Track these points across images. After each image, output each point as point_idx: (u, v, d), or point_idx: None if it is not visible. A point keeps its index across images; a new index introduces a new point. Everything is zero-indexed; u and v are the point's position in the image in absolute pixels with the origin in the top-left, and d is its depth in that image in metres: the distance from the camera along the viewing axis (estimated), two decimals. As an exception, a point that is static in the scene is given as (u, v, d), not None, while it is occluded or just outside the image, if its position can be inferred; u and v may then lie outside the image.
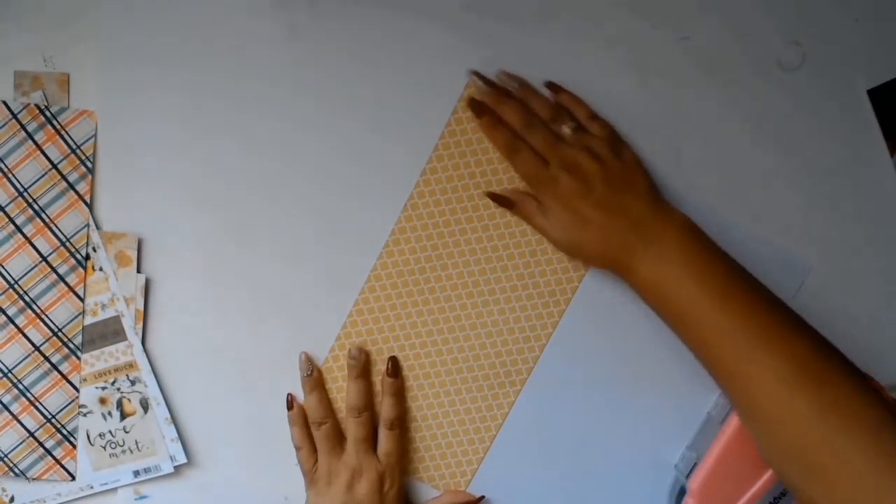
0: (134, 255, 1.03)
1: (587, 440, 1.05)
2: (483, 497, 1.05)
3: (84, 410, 1.04)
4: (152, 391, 1.03)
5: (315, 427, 1.02)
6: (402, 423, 1.03)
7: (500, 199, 1.00)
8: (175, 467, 1.05)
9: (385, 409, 1.02)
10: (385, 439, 1.01)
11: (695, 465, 0.98)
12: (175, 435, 1.04)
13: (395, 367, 1.03)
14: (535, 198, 0.98)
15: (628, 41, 1.00)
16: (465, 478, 1.06)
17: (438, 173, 1.02)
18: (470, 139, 1.01)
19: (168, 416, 1.04)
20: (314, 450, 1.02)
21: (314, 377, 1.03)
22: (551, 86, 0.99)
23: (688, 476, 0.98)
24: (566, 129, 0.96)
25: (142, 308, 1.03)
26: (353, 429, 1.01)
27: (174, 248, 1.04)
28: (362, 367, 1.03)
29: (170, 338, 1.05)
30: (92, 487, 1.06)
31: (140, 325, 1.03)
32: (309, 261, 1.04)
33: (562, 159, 0.95)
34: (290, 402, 1.03)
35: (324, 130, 1.02)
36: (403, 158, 1.02)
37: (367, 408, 1.02)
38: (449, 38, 1.01)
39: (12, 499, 1.05)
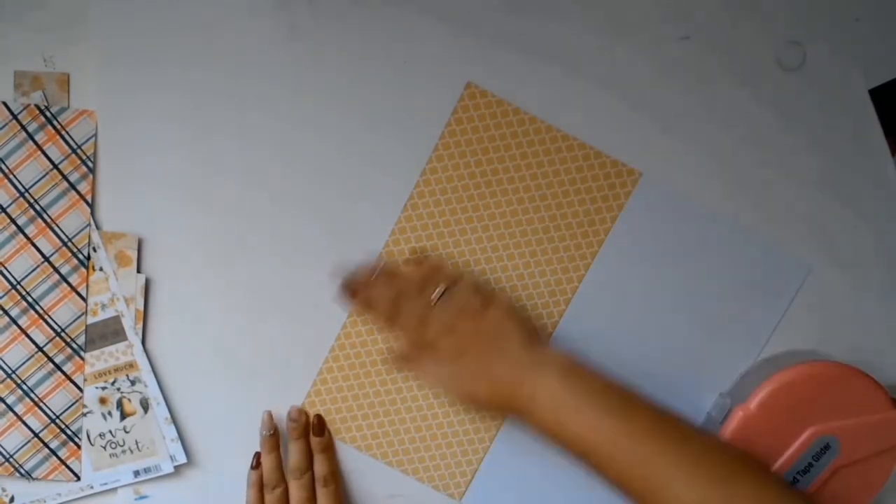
0: (134, 255, 1.03)
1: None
2: None
3: (84, 410, 1.04)
4: (152, 391, 1.03)
5: (268, 490, 1.03)
6: (335, 479, 1.03)
7: (397, 362, 1.04)
8: (175, 467, 1.05)
9: (317, 466, 1.03)
10: (321, 497, 1.02)
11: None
12: (175, 435, 1.04)
13: (319, 425, 1.04)
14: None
15: (628, 41, 1.00)
16: (464, 478, 1.05)
17: (438, 173, 1.02)
18: (470, 139, 1.02)
19: (168, 416, 1.04)
20: None
21: (273, 438, 1.04)
22: (412, 260, 1.03)
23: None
24: (435, 296, 1.00)
25: (142, 308, 1.03)
26: (294, 491, 1.02)
27: (174, 248, 1.04)
28: (302, 428, 1.04)
29: (170, 338, 1.04)
30: (92, 487, 1.06)
31: (140, 325, 1.03)
32: (309, 260, 1.04)
33: (438, 324, 0.99)
34: (256, 462, 1.04)
35: (324, 130, 1.02)
36: (403, 158, 1.02)
37: (308, 468, 1.03)
38: (449, 37, 1.01)
39: (12, 499, 1.05)
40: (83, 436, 1.05)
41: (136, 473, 1.05)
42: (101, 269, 1.03)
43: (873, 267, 1.01)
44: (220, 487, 1.05)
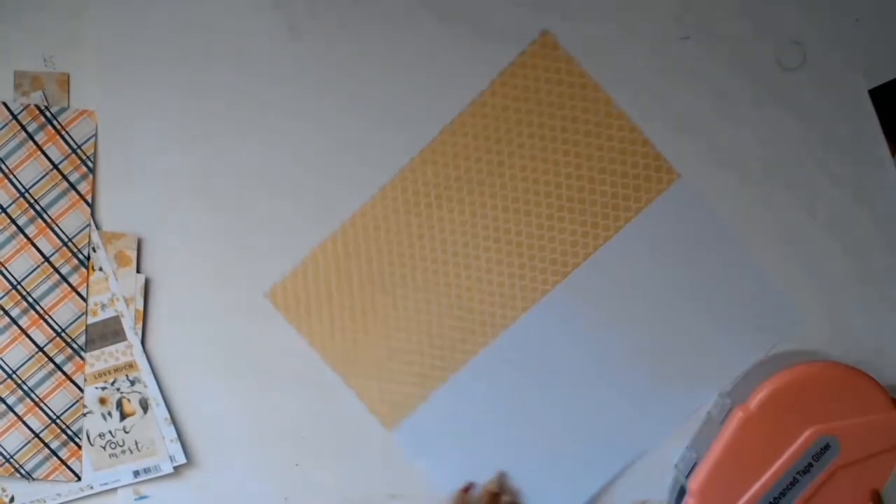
0: (134, 255, 1.03)
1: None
2: None
3: (84, 410, 1.04)
4: (152, 391, 1.03)
5: None
6: None
7: None
8: (175, 467, 1.05)
9: None
10: None
11: (694, 464, 0.98)
12: (175, 435, 1.04)
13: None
14: None
15: (628, 41, 1.00)
16: (403, 411, 1.06)
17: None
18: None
19: (168, 416, 1.04)
20: None
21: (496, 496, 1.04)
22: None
23: (687, 476, 0.98)
24: None
25: (142, 308, 1.03)
26: None
27: (174, 248, 1.04)
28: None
29: (170, 338, 1.04)
30: (92, 487, 1.06)
31: (140, 325, 1.03)
32: (309, 261, 1.04)
33: None
34: (468, 489, 1.05)
35: (324, 130, 1.02)
36: (403, 157, 1.02)
37: None
38: (448, 37, 1.01)
39: (12, 499, 1.05)
40: (83, 436, 1.04)
41: (136, 473, 1.05)
42: (101, 269, 1.03)
43: (873, 267, 1.01)
44: (220, 487, 1.05)
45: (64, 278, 1.03)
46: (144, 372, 1.03)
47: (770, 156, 1.00)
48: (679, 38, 1.00)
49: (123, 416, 1.05)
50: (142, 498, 1.06)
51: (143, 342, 1.04)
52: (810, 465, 0.95)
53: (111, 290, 1.03)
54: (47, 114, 1.01)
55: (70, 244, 1.02)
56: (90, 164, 1.02)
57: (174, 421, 1.04)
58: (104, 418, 1.05)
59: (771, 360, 1.02)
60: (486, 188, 1.02)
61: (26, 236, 1.02)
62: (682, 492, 1.00)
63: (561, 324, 1.04)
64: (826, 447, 0.95)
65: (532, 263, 1.03)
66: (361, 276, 1.04)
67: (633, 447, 1.04)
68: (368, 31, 1.01)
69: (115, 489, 1.06)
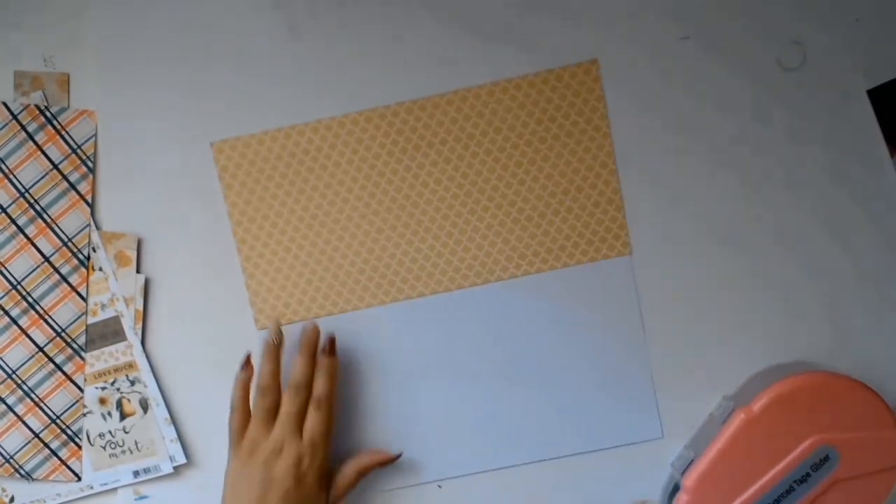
0: (134, 255, 1.03)
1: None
2: (400, 455, 1.04)
3: (84, 411, 1.04)
4: (152, 391, 1.03)
5: (261, 396, 0.99)
6: (330, 404, 1.00)
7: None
8: (175, 467, 1.05)
9: (316, 386, 0.99)
10: (311, 418, 0.98)
11: (691, 462, 0.97)
12: (175, 435, 1.04)
13: (332, 346, 1.00)
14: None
15: (628, 41, 1.00)
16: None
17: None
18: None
19: (168, 416, 1.04)
20: (248, 416, 1.00)
21: (277, 346, 1.01)
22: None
23: (683, 473, 0.98)
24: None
25: (141, 308, 1.03)
26: (288, 406, 0.98)
27: (174, 248, 1.04)
28: (313, 344, 1.01)
29: (170, 338, 1.05)
30: (92, 487, 1.06)
31: (140, 325, 1.03)
32: (309, 261, 1.04)
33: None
34: (247, 363, 1.01)
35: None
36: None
37: (307, 385, 0.99)
38: (448, 36, 1.01)
39: (12, 499, 1.06)
40: (83, 436, 1.04)
41: (136, 474, 1.05)
42: (100, 269, 1.03)
43: (874, 267, 1.01)
44: (220, 487, 1.04)
45: (64, 278, 1.03)
46: (144, 372, 1.03)
47: (769, 156, 1.00)
48: (679, 38, 0.99)
49: (123, 416, 1.05)
50: (142, 498, 1.06)
51: (143, 342, 1.04)
52: (808, 474, 0.95)
53: (111, 290, 1.03)
54: (47, 114, 1.01)
55: (70, 244, 1.02)
56: (90, 164, 1.02)
57: (174, 421, 1.04)
58: (104, 418, 1.05)
59: (778, 368, 1.02)
60: (467, 163, 1.03)
61: (26, 236, 1.02)
62: (675, 488, 0.99)
63: (460, 319, 1.05)
64: (826, 458, 0.95)
65: (464, 253, 1.04)
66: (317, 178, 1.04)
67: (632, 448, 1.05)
68: (368, 31, 1.01)
69: (115, 489, 1.06)
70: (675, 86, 1.00)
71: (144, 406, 1.04)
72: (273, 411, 0.99)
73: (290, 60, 1.02)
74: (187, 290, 1.04)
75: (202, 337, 1.04)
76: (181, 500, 1.06)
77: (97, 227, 1.03)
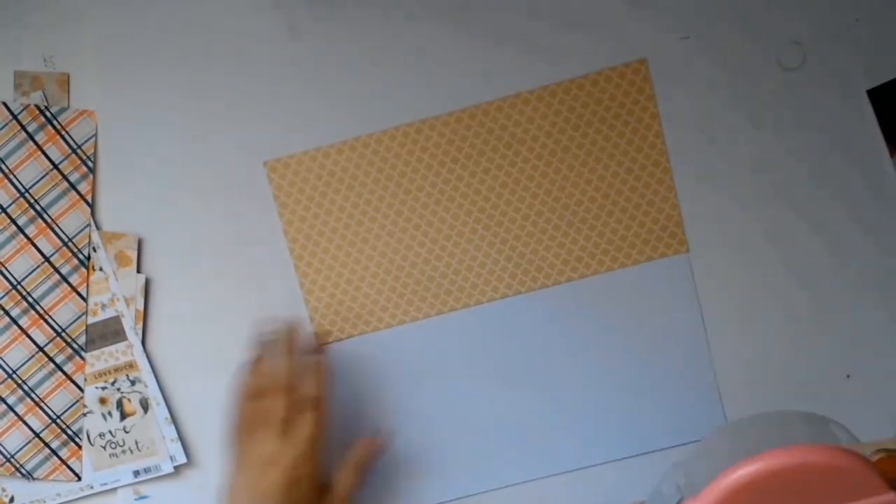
0: (134, 255, 1.03)
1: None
2: (385, 440, 1.03)
3: (84, 410, 1.04)
4: (152, 391, 1.03)
5: (248, 399, 0.96)
6: (323, 403, 0.96)
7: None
8: (175, 467, 1.05)
9: (307, 386, 0.96)
10: (304, 420, 0.94)
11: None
12: (175, 435, 1.04)
13: (320, 343, 1.02)
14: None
15: (628, 41, 1.00)
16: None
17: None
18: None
19: (168, 415, 1.04)
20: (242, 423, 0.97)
21: (264, 350, 0.99)
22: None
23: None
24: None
25: (142, 308, 1.03)
26: (274, 408, 0.94)
27: (174, 248, 1.04)
28: (289, 342, 0.99)
29: (170, 338, 1.05)
30: (92, 487, 1.06)
31: (140, 325, 1.03)
32: (309, 261, 1.04)
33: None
34: (243, 372, 0.98)
35: (323, 130, 1.02)
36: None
37: (294, 388, 0.95)
38: (448, 37, 1.01)
39: (12, 499, 1.06)
40: (83, 436, 1.04)
41: (136, 473, 1.05)
42: (101, 269, 1.03)
43: (872, 267, 1.01)
44: (220, 487, 1.04)
45: (64, 278, 1.03)
46: (145, 372, 1.03)
47: (769, 155, 1.00)
48: (679, 38, 1.00)
49: (124, 416, 1.05)
50: (142, 498, 1.06)
51: (143, 342, 1.04)
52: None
53: (111, 290, 1.03)
54: (47, 114, 1.01)
55: (70, 244, 1.03)
56: (90, 164, 1.02)
57: (174, 421, 1.04)
58: (104, 418, 1.05)
59: (734, 432, 0.98)
60: (518, 168, 1.03)
61: (26, 236, 1.03)
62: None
63: (514, 326, 1.05)
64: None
65: (519, 259, 1.04)
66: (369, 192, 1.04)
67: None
68: (369, 31, 1.01)
69: (115, 489, 1.06)
70: (675, 85, 1.00)
71: (145, 406, 1.04)
72: (264, 416, 0.95)
73: (290, 60, 1.02)
74: (187, 290, 1.04)
75: (202, 337, 1.05)
76: (181, 499, 1.06)
77: (97, 227, 1.03)
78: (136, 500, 1.06)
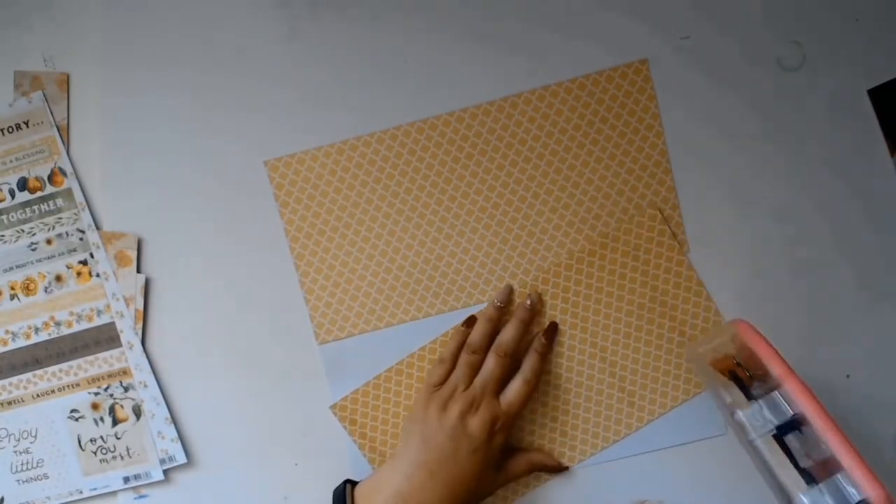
0: (134, 255, 1.03)
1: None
2: (568, 468, 1.05)
3: (76, 415, 1.04)
4: (152, 391, 1.03)
5: (468, 351, 1.01)
6: (537, 382, 1.02)
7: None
8: (173, 468, 1.05)
9: (528, 363, 1.01)
10: (514, 389, 1.00)
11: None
12: (175, 434, 1.04)
13: (552, 332, 1.03)
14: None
15: (628, 41, 1.01)
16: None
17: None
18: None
19: (168, 415, 1.04)
20: (450, 370, 1.01)
21: (500, 310, 1.03)
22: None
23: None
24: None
25: (142, 308, 1.03)
26: (491, 366, 1.00)
27: (174, 248, 1.04)
28: (531, 315, 1.03)
29: (170, 338, 1.04)
30: (81, 492, 1.06)
31: (140, 325, 1.03)
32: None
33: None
34: (470, 321, 1.03)
35: (323, 129, 1.02)
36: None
37: (512, 354, 1.01)
38: (449, 38, 1.02)
39: (2, 500, 1.05)
40: (74, 440, 1.04)
41: (126, 480, 1.05)
42: (97, 276, 1.03)
43: (873, 266, 1.02)
44: (220, 487, 1.04)
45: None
46: (145, 372, 1.03)
47: (769, 156, 1.01)
48: (679, 38, 1.01)
49: (116, 422, 1.04)
50: (141, 497, 1.05)
51: (142, 342, 1.03)
52: None
53: (111, 290, 1.03)
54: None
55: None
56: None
57: (174, 421, 1.04)
58: (96, 423, 1.05)
59: None
60: (519, 168, 1.03)
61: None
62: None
63: None
64: None
65: (519, 259, 1.04)
66: (369, 192, 1.04)
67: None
68: (369, 31, 1.02)
69: (105, 494, 1.06)
70: (675, 85, 1.01)
71: (137, 412, 1.04)
72: (476, 369, 1.00)
73: (290, 60, 1.03)
74: (187, 290, 1.04)
75: (202, 337, 1.04)
76: (181, 499, 1.06)
77: (98, 227, 1.02)
78: (135, 499, 1.06)
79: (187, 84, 1.03)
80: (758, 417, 0.85)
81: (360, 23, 1.02)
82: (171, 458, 1.04)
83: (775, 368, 0.86)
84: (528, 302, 1.02)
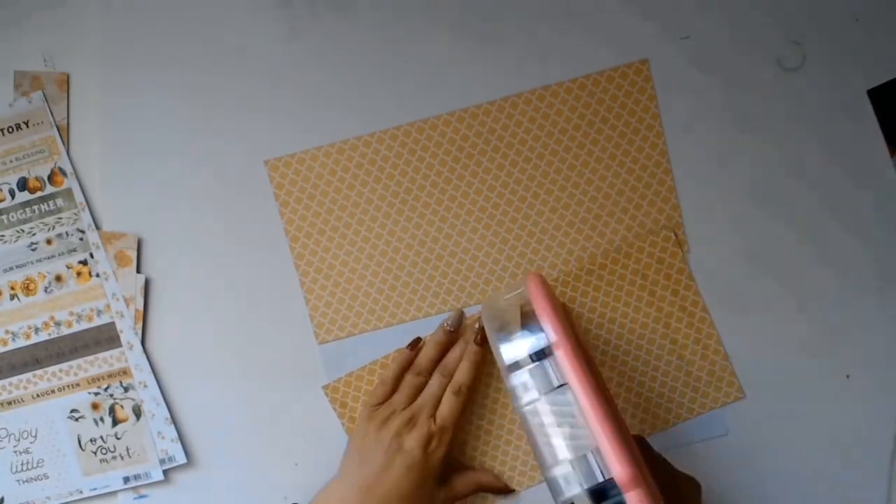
0: (134, 255, 1.03)
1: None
2: (515, 491, 1.04)
3: (76, 415, 1.04)
4: (152, 391, 1.03)
5: (413, 373, 1.01)
6: (468, 392, 1.01)
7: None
8: (173, 468, 1.05)
9: (458, 372, 1.01)
10: (445, 402, 1.00)
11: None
12: (175, 434, 1.04)
13: (482, 337, 1.01)
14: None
15: (628, 41, 1.01)
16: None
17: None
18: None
19: (168, 415, 1.03)
20: (393, 391, 1.02)
21: (450, 334, 1.03)
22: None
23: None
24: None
25: (142, 308, 1.03)
26: (434, 387, 1.01)
27: (174, 248, 1.04)
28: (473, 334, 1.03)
29: (170, 338, 1.04)
30: (81, 492, 1.06)
31: (140, 325, 1.03)
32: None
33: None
34: (415, 345, 1.03)
35: (323, 129, 1.02)
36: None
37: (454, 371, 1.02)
38: (448, 38, 1.02)
39: (2, 500, 1.05)
40: (74, 440, 1.04)
41: (126, 480, 1.05)
42: (97, 276, 1.03)
43: (871, 267, 1.02)
44: (220, 487, 1.04)
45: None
46: (145, 372, 1.03)
47: (769, 156, 1.01)
48: (679, 38, 1.01)
49: (116, 422, 1.04)
50: (141, 497, 1.05)
51: (142, 342, 1.03)
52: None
53: (111, 290, 1.03)
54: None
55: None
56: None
57: (174, 421, 1.04)
58: (96, 423, 1.04)
59: None
60: (520, 168, 1.03)
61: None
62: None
63: None
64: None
65: (519, 258, 1.04)
66: (369, 191, 1.04)
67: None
68: (369, 30, 1.02)
69: (105, 494, 1.06)
70: (675, 85, 1.01)
71: (137, 412, 1.04)
72: (419, 390, 1.01)
73: (290, 60, 1.03)
74: (187, 290, 1.04)
75: (202, 337, 1.04)
76: (181, 499, 1.06)
77: (98, 227, 1.02)
78: (135, 499, 1.05)
79: (187, 84, 1.03)
80: (527, 384, 0.82)
81: (360, 23, 1.02)
82: (170, 458, 1.04)
83: (549, 330, 0.82)
84: (477, 325, 1.02)
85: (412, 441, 0.97)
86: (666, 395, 1.03)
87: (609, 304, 1.03)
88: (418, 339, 1.03)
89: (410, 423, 0.98)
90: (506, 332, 0.85)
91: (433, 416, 0.99)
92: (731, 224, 1.02)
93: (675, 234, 1.02)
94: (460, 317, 1.03)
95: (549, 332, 0.81)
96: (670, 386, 1.03)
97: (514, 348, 0.83)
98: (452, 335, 1.03)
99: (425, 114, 1.02)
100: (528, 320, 0.84)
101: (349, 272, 1.04)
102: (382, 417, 0.99)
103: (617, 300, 1.02)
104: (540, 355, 0.81)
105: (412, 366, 1.02)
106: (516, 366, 0.82)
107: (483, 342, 1.00)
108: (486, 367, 1.03)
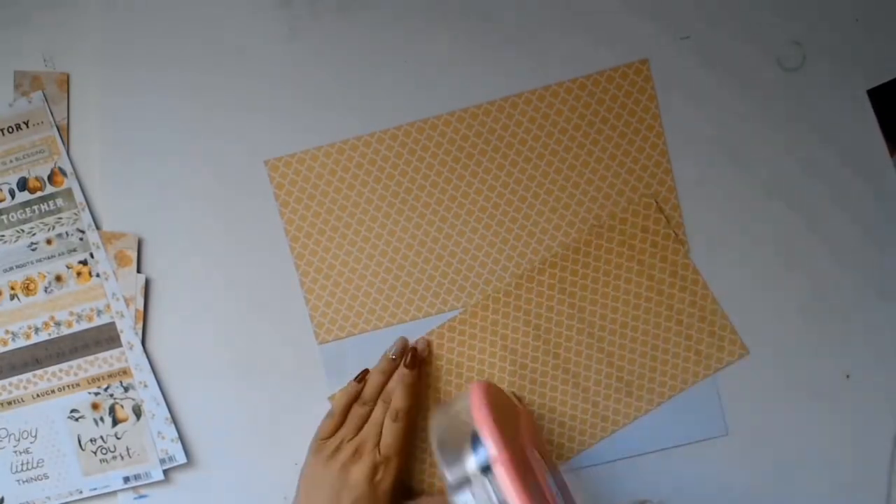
0: (134, 255, 1.03)
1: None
2: None
3: (76, 415, 1.04)
4: (152, 391, 1.03)
5: (359, 404, 1.02)
6: (407, 417, 1.01)
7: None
8: (173, 468, 1.05)
9: (394, 398, 1.01)
10: (385, 430, 1.00)
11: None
12: (175, 434, 1.04)
13: (413, 359, 1.01)
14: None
15: (628, 41, 1.01)
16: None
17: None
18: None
19: (168, 415, 1.04)
20: (340, 423, 1.01)
21: (394, 362, 1.02)
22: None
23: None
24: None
25: (142, 308, 1.03)
26: (378, 414, 1.01)
27: (174, 248, 1.04)
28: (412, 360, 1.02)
29: (170, 338, 1.04)
30: (81, 492, 1.06)
31: (140, 325, 1.03)
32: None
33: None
34: (362, 377, 1.03)
35: (323, 129, 1.02)
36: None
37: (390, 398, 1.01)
38: (448, 38, 1.02)
39: (2, 500, 1.05)
40: (74, 440, 1.04)
41: (126, 480, 1.05)
42: (97, 276, 1.03)
43: (874, 266, 1.02)
44: (220, 487, 1.04)
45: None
46: (145, 372, 1.03)
47: (769, 156, 1.01)
48: (679, 38, 1.01)
49: (116, 422, 1.04)
50: (141, 497, 1.05)
51: (143, 342, 1.03)
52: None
53: (111, 290, 1.03)
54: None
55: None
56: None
57: (174, 421, 1.04)
58: (96, 423, 1.04)
59: None
60: (520, 168, 1.03)
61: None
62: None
63: None
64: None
65: (519, 258, 1.04)
66: (369, 191, 1.04)
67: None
68: (369, 31, 1.02)
69: (105, 494, 1.06)
70: (675, 85, 1.01)
71: (137, 412, 1.04)
72: (365, 421, 1.01)
73: (290, 60, 1.03)
74: (187, 290, 1.04)
75: (202, 337, 1.04)
76: (181, 499, 1.06)
77: (98, 227, 1.02)
78: (135, 498, 1.06)
79: (187, 84, 1.03)
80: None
81: (360, 23, 1.02)
82: (171, 458, 1.04)
83: (489, 444, 0.79)
84: (409, 346, 1.03)
85: (357, 474, 0.97)
86: (670, 362, 1.03)
87: (600, 279, 1.02)
88: (366, 371, 1.03)
89: (356, 454, 0.99)
90: (452, 448, 0.82)
91: (378, 445, 0.99)
92: (731, 224, 1.02)
93: (656, 202, 1.02)
94: (404, 345, 1.03)
95: (489, 447, 0.79)
96: (673, 352, 1.03)
97: (458, 466, 0.80)
98: (396, 363, 1.02)
99: (425, 114, 1.02)
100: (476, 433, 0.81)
101: (349, 272, 1.04)
102: (330, 450, 0.99)
103: (607, 274, 1.02)
104: (485, 470, 0.78)
105: (361, 396, 1.02)
106: (459, 485, 0.79)
107: (413, 365, 1.01)
108: (428, 390, 1.04)
